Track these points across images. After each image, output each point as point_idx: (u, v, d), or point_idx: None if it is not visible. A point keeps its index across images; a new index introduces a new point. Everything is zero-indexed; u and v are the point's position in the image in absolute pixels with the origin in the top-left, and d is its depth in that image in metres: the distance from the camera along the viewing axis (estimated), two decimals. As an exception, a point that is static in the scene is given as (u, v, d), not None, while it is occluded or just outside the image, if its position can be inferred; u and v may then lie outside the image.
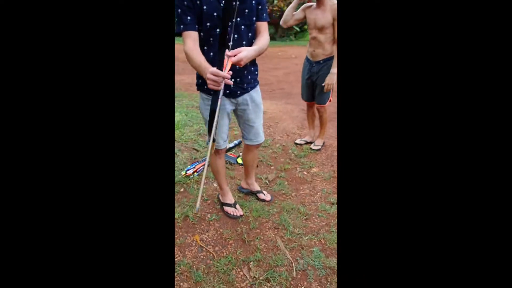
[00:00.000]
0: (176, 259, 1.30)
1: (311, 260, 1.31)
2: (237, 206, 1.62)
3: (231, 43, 1.06)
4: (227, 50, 1.00)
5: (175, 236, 1.43)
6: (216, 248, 1.37)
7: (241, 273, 1.24)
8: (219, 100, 1.03)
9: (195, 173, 1.95)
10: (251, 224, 1.52)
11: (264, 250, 1.37)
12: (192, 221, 1.53)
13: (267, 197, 1.73)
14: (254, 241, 1.42)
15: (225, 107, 1.28)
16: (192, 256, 1.32)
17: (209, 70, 0.96)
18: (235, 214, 1.58)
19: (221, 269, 1.25)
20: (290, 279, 1.22)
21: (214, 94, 1.12)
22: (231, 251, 1.36)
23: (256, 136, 1.44)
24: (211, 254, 1.33)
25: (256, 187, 1.76)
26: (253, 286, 1.18)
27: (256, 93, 1.32)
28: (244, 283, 1.20)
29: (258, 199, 1.74)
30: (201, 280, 1.19)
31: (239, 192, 1.80)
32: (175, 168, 2.01)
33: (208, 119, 1.30)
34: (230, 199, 1.63)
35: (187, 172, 1.94)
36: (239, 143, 2.40)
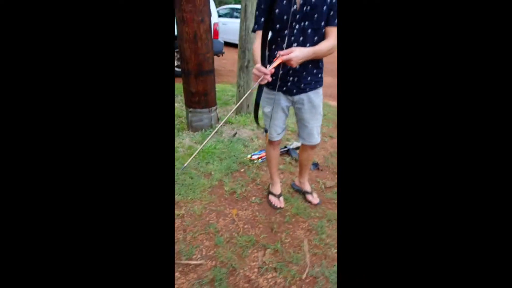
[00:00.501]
0: (210, 222, 1.51)
1: (328, 272, 1.27)
2: (281, 198, 1.70)
3: (285, 45, 1.14)
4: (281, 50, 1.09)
5: (218, 205, 1.64)
6: (246, 226, 1.51)
7: (255, 254, 1.34)
8: (271, 94, 1.13)
9: (259, 159, 2.11)
10: (286, 218, 1.58)
11: (287, 245, 1.41)
12: (237, 198, 1.71)
13: (315, 200, 1.73)
14: (282, 233, 1.48)
15: (279, 102, 1.36)
16: (223, 224, 1.50)
17: (256, 66, 1.07)
18: (275, 204, 1.66)
19: (240, 243, 1.38)
20: (297, 278, 1.24)
21: (258, 87, 1.23)
22: (257, 233, 1.46)
23: (310, 136, 1.46)
24: (239, 229, 1.48)
25: (307, 187, 1.77)
26: (259, 269, 1.26)
27: (315, 95, 1.34)
28: (254, 263, 1.29)
29: (305, 199, 1.75)
30: (220, 244, 1.36)
31: (291, 187, 1.86)
32: (246, 151, 2.23)
33: (264, 110, 1.43)
34: (276, 189, 1.72)
35: (252, 156, 2.13)
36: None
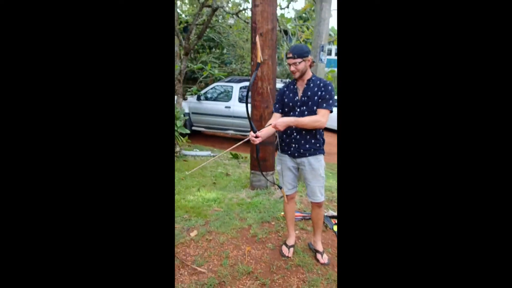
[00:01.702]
0: (226, 249, 1.91)
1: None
2: (291, 249, 1.94)
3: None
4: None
5: (239, 241, 2.04)
6: (251, 260, 1.83)
7: (246, 280, 1.64)
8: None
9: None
10: (287, 265, 1.81)
11: (276, 284, 1.64)
12: (256, 240, 2.07)
13: (323, 260, 1.88)
14: (277, 274, 1.71)
15: (286, 162, 1.80)
16: (235, 254, 1.88)
17: (250, 133, 1.62)
18: (284, 252, 1.92)
19: (239, 269, 1.71)
20: (269, 307, 1.45)
21: (255, 147, 1.76)
22: (256, 268, 1.76)
23: (312, 194, 1.78)
24: (244, 260, 1.82)
25: (318, 246, 1.95)
26: (243, 290, 1.55)
27: (314, 160, 1.72)
28: (241, 286, 1.59)
29: (315, 257, 1.92)
30: (224, 265, 1.74)
31: (309, 247, 2.06)
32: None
33: (276, 168, 1.88)
34: (290, 241, 1.98)
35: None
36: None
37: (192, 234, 2.09)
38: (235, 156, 4.48)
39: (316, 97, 1.66)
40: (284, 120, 1.61)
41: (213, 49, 9.36)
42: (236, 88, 5.62)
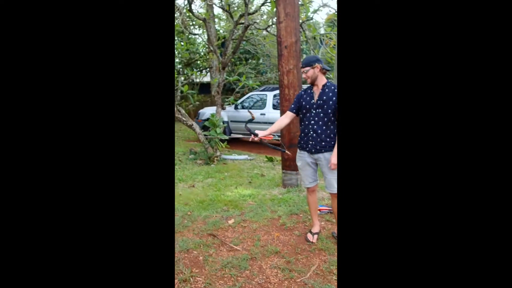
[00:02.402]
0: (257, 234, 2.23)
1: (318, 285, 1.69)
2: (316, 236, 2.19)
3: (307, 121, 1.95)
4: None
5: (269, 228, 2.34)
6: (279, 243, 2.12)
7: (273, 258, 1.94)
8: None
9: (319, 211, 2.66)
10: (311, 248, 2.06)
11: (299, 262, 1.91)
12: (285, 228, 2.35)
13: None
14: (301, 254, 1.98)
15: (305, 158, 2.07)
16: (265, 238, 2.19)
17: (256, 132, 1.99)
18: (309, 238, 2.17)
19: (268, 249, 2.02)
20: (292, 279, 1.73)
21: (265, 144, 2.14)
22: (283, 249, 2.05)
23: (329, 186, 2.02)
24: (273, 243, 2.12)
25: (340, 234, 2.17)
26: (270, 265, 1.85)
27: (330, 155, 1.97)
28: (269, 262, 1.89)
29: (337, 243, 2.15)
30: (255, 246, 2.06)
31: (332, 235, 2.29)
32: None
33: (297, 164, 2.16)
34: (315, 228, 2.23)
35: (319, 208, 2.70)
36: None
37: (230, 221, 2.45)
38: (270, 159, 4.80)
39: (331, 102, 1.92)
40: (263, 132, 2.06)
41: (249, 60, 9.89)
42: (270, 96, 5.98)
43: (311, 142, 2.02)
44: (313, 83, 2.00)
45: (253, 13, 4.82)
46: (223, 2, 5.68)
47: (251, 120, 2.35)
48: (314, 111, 1.98)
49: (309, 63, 1.96)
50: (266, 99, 6.04)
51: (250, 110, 2.57)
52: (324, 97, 1.95)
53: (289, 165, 3.34)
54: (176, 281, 1.72)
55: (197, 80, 9.68)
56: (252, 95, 6.40)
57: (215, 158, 4.67)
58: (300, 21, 4.73)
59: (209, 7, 6.14)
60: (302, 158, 2.11)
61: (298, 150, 2.17)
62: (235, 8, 5.50)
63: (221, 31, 9.78)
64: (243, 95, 6.77)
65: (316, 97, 1.99)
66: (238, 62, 9.74)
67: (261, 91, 6.37)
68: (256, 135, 2.06)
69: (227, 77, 5.69)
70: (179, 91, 4.54)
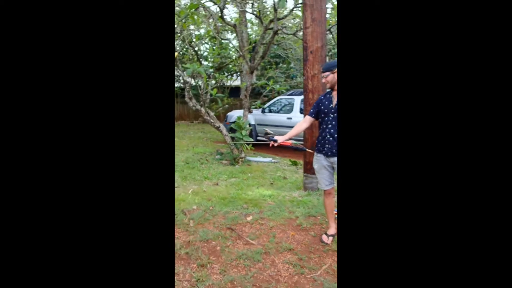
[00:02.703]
0: (273, 231, 2.32)
1: (327, 283, 1.74)
2: (331, 238, 2.23)
3: (325, 125, 2.01)
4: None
5: (286, 227, 2.42)
6: (294, 242, 2.19)
7: (286, 254, 2.01)
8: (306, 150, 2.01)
9: (336, 214, 2.67)
10: (325, 249, 2.10)
11: (312, 260, 1.96)
12: (301, 228, 2.41)
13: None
14: (314, 254, 2.03)
15: (321, 161, 2.13)
16: (280, 236, 2.27)
17: (276, 137, 2.05)
18: (324, 239, 2.22)
19: (282, 246, 2.10)
20: (302, 274, 1.80)
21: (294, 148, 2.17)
22: (296, 247, 2.11)
23: (346, 188, 2.06)
24: (288, 240, 2.19)
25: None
26: (283, 260, 1.93)
27: None
28: (282, 257, 1.97)
29: (352, 246, 2.17)
30: (270, 241, 2.15)
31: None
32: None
33: (314, 167, 2.22)
34: (330, 231, 2.27)
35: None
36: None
37: (248, 218, 2.57)
38: (294, 163, 4.85)
39: None
40: (283, 137, 2.14)
41: (280, 64, 10.00)
42: (297, 100, 6.04)
43: (327, 146, 2.08)
44: (332, 88, 2.07)
45: (283, 18, 4.95)
46: (254, 7, 5.89)
47: (267, 134, 2.52)
48: (332, 115, 2.04)
49: (329, 68, 2.03)
50: (293, 103, 6.10)
51: (266, 129, 2.73)
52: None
53: (311, 168, 3.37)
54: (194, 265, 1.87)
55: (228, 83, 9.99)
56: (279, 99, 6.50)
57: (240, 159, 4.83)
58: (330, 26, 4.76)
59: (242, 12, 6.38)
60: (319, 161, 2.17)
61: (315, 153, 2.23)
62: (267, 13, 5.65)
63: (253, 35, 10.02)
64: (271, 99, 6.90)
65: (334, 102, 2.05)
66: (268, 66, 9.89)
67: (288, 95, 6.45)
68: (275, 141, 2.16)
69: (256, 81, 5.85)
70: (208, 94, 4.77)
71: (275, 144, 2.17)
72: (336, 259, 2.00)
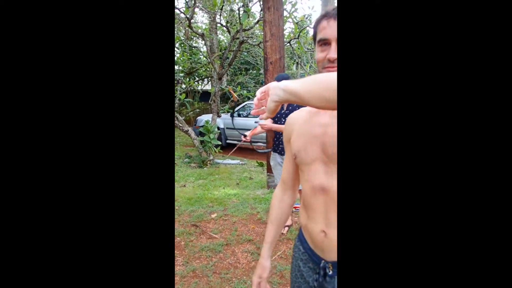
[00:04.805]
0: (235, 226, 2.54)
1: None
2: (286, 228, 2.49)
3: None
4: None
5: (246, 221, 2.65)
6: (252, 232, 2.42)
7: (245, 244, 2.24)
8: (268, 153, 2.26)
9: (295, 208, 2.95)
10: (281, 239, 2.36)
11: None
12: (261, 222, 2.66)
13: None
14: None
15: (275, 158, 2.40)
16: (242, 229, 2.49)
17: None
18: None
19: (242, 237, 2.32)
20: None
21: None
22: (255, 238, 2.35)
23: (298, 184, 2.34)
24: (248, 233, 2.42)
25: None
26: (243, 249, 2.15)
27: None
28: (243, 248, 2.19)
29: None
30: (232, 235, 2.37)
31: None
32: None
33: (271, 163, 2.49)
34: (286, 222, 2.54)
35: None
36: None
37: (213, 215, 2.76)
38: (261, 164, 5.12)
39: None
40: (270, 126, 2.26)
41: (250, 71, 10.31)
42: (264, 105, 6.33)
43: (281, 145, 2.35)
44: None
45: (249, 29, 5.22)
46: (223, 17, 6.12)
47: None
48: (283, 119, 2.32)
49: (280, 79, 2.31)
50: (260, 108, 6.39)
51: (241, 132, 2.86)
52: (290, 107, 2.29)
53: (271, 168, 3.65)
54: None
55: (199, 88, 10.10)
56: (248, 103, 6.76)
57: (208, 162, 5.00)
58: (289, 39, 5.13)
59: (212, 20, 6.58)
60: (274, 158, 2.44)
61: (271, 152, 2.49)
62: (236, 23, 5.90)
63: (224, 41, 10.24)
64: (240, 104, 7.15)
65: (285, 107, 2.33)
66: (238, 72, 10.15)
67: (256, 100, 6.73)
68: (245, 135, 2.39)
69: (223, 87, 6.06)
70: (177, 98, 4.91)
71: (247, 138, 2.37)
72: (290, 246, 2.26)
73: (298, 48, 5.25)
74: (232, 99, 2.55)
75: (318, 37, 0.70)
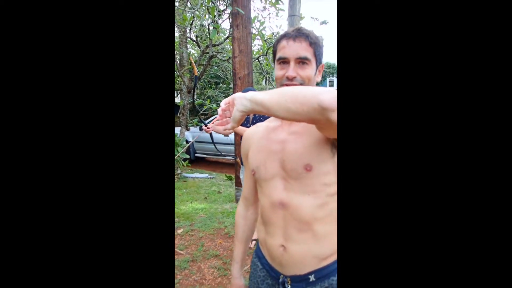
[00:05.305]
0: (202, 241, 2.49)
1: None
2: (253, 242, 2.50)
3: None
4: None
5: (214, 236, 2.61)
6: (219, 247, 2.39)
7: (212, 260, 2.21)
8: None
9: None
10: (248, 252, 2.36)
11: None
12: (228, 236, 2.64)
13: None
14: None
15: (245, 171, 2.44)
16: (209, 244, 2.45)
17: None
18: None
19: (209, 253, 2.28)
20: (224, 275, 2.01)
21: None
22: (222, 253, 2.32)
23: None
24: (215, 248, 2.39)
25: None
26: (209, 265, 2.12)
27: None
28: (209, 264, 2.16)
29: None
30: (199, 250, 2.32)
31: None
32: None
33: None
34: (253, 235, 2.55)
35: (257, 219, 3.03)
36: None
37: (179, 231, 2.69)
38: (229, 178, 5.10)
39: None
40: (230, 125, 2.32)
41: (219, 85, 10.38)
42: (233, 119, 6.37)
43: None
44: None
45: (218, 44, 5.31)
46: (194, 31, 6.17)
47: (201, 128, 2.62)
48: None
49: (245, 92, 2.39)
50: (230, 122, 6.42)
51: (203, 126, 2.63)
52: (254, 120, 2.37)
53: (241, 182, 3.67)
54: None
55: (167, 100, 9.87)
56: (217, 117, 6.76)
57: (176, 176, 4.88)
58: (258, 55, 5.30)
59: (182, 34, 6.59)
60: (244, 171, 2.47)
61: (241, 165, 2.52)
62: (206, 37, 5.98)
63: (195, 54, 10.26)
64: (209, 117, 7.13)
65: (251, 117, 2.40)
66: (208, 86, 10.17)
67: (225, 114, 6.75)
68: (206, 125, 2.39)
69: (192, 100, 6.04)
70: (144, 111, 4.77)
71: (209, 129, 2.33)
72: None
73: (267, 64, 5.44)
74: (192, 72, 2.48)
75: (278, 55, 0.74)
